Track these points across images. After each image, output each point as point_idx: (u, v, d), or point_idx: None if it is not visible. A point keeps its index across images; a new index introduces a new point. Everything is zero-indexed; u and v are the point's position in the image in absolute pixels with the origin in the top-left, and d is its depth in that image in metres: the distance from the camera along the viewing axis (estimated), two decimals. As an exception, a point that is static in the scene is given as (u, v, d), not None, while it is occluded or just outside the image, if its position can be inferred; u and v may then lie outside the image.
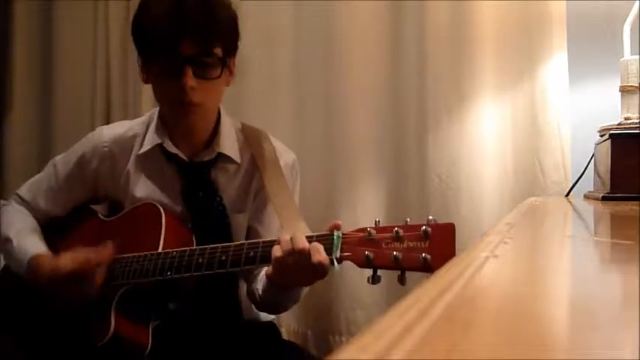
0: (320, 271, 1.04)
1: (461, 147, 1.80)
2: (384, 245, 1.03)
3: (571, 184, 1.61)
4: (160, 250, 1.19)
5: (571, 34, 1.74)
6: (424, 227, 1.01)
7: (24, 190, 1.41)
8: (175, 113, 1.26)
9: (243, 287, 1.36)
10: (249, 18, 1.96)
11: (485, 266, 0.47)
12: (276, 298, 1.25)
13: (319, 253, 1.03)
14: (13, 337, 1.29)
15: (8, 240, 1.31)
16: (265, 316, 1.38)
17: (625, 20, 1.48)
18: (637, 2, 1.46)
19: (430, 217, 1.03)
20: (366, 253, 1.02)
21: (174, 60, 1.18)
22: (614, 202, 1.30)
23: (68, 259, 1.20)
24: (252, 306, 1.33)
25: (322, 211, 1.88)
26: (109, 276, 1.22)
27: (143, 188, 1.31)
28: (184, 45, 1.17)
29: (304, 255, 1.03)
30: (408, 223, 1.04)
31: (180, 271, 1.15)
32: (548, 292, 0.42)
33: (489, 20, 1.80)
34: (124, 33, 2.04)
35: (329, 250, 1.04)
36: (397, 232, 1.02)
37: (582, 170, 1.54)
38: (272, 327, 1.42)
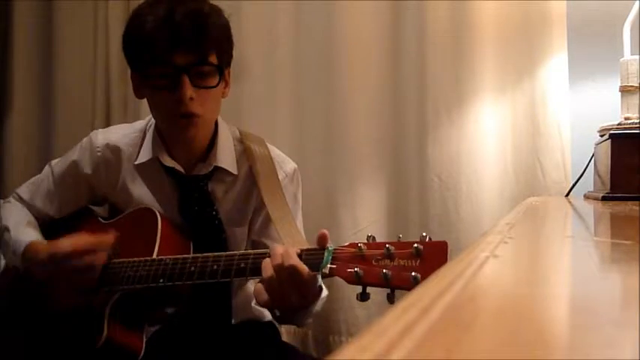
0: (310, 290, 1.03)
1: (461, 147, 1.80)
2: (374, 262, 1.00)
3: (571, 184, 1.61)
4: (154, 256, 1.18)
5: (571, 34, 1.74)
6: (416, 245, 0.98)
7: (23, 190, 1.41)
8: (174, 126, 1.24)
9: (236, 290, 1.36)
10: (249, 18, 1.96)
11: (485, 266, 0.46)
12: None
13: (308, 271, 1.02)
14: (6, 340, 1.29)
15: (6, 229, 1.31)
16: (260, 315, 1.37)
17: (625, 20, 1.48)
18: (637, 2, 1.46)
19: (424, 234, 1.01)
20: (356, 269, 0.99)
21: (171, 71, 1.17)
22: (614, 202, 1.30)
23: (67, 241, 1.19)
24: (245, 307, 1.34)
25: (322, 210, 1.88)
26: (104, 281, 1.21)
27: (141, 197, 1.31)
28: (179, 55, 1.16)
29: (294, 270, 1.01)
30: (401, 239, 1.01)
31: (172, 279, 1.13)
32: (549, 292, 0.42)
33: (489, 20, 1.80)
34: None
35: (318, 266, 1.02)
36: (388, 248, 0.99)
37: (582, 170, 1.54)
38: (271, 327, 1.41)
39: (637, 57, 1.44)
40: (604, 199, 1.34)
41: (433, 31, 1.82)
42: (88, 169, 1.35)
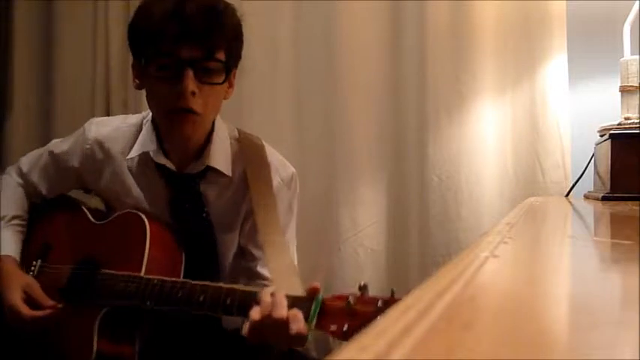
0: (297, 341, 0.99)
1: (461, 147, 1.80)
2: (365, 319, 0.93)
3: (571, 184, 1.61)
4: (142, 270, 1.16)
5: (571, 34, 1.74)
6: None
7: (24, 161, 1.41)
8: (171, 121, 1.19)
9: None
10: (249, 18, 1.95)
11: (485, 266, 0.47)
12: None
13: (298, 323, 0.96)
14: None
15: None
16: None
17: (625, 20, 1.49)
18: (637, 2, 1.46)
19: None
20: (346, 326, 0.94)
21: (175, 63, 1.13)
22: (614, 202, 1.30)
23: (16, 297, 1.21)
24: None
25: (322, 211, 1.87)
26: (91, 293, 1.19)
27: (132, 193, 1.28)
28: (185, 48, 1.12)
29: (283, 323, 0.96)
30: (394, 294, 0.94)
31: (159, 303, 1.11)
32: (548, 291, 0.42)
33: (489, 20, 1.80)
34: (124, 33, 2.04)
35: (305, 318, 0.97)
36: (379, 307, 0.93)
37: (582, 170, 1.54)
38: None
39: (637, 57, 1.44)
40: (604, 199, 1.34)
41: (433, 31, 1.82)
42: (75, 162, 1.33)
